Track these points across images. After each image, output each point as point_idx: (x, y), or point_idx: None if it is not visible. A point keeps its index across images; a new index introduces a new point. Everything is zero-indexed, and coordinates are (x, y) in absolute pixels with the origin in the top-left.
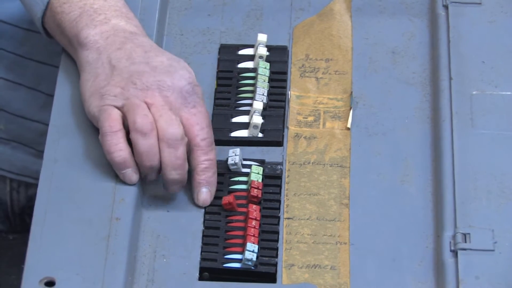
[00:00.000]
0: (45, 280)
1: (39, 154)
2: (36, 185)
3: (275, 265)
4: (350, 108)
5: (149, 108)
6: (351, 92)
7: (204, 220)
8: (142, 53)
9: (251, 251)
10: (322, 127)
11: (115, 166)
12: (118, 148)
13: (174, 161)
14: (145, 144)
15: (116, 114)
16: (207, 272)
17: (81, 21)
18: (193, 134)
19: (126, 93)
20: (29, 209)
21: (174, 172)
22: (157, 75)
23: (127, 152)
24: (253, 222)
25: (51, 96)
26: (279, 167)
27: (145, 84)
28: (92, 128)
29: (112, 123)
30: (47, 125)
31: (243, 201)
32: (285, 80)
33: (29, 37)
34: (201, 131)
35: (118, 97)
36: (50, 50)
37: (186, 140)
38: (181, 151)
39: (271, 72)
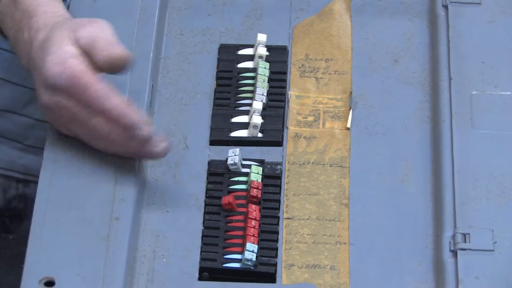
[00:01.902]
0: (45, 280)
1: (26, 148)
2: (22, 181)
3: (275, 265)
4: (350, 108)
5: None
6: (351, 92)
7: (204, 220)
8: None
9: (251, 251)
10: (321, 127)
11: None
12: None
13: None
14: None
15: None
16: (207, 272)
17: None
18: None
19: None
20: (9, 211)
21: (126, 118)
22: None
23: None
24: (253, 222)
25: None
26: (278, 167)
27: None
28: None
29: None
30: (34, 119)
31: (243, 201)
32: (284, 80)
33: None
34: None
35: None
36: None
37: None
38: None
39: (271, 72)
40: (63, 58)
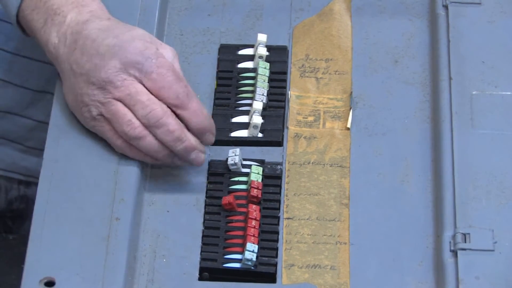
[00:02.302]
0: (45, 280)
1: (28, 150)
2: (23, 182)
3: (275, 265)
4: (350, 108)
5: (121, 101)
6: (351, 92)
7: (204, 220)
8: (91, 44)
9: (251, 251)
10: (322, 127)
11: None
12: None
13: (171, 137)
14: (145, 144)
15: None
16: (207, 272)
17: (46, 29)
18: (165, 98)
19: (94, 98)
20: (10, 212)
21: (179, 144)
22: (106, 63)
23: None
24: (253, 222)
25: (39, 92)
26: (279, 167)
27: (101, 80)
28: None
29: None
30: (36, 121)
31: (243, 201)
32: (285, 80)
33: (16, 32)
34: (170, 91)
35: (93, 105)
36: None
37: (168, 110)
38: (170, 122)
39: (271, 72)
40: (152, 48)
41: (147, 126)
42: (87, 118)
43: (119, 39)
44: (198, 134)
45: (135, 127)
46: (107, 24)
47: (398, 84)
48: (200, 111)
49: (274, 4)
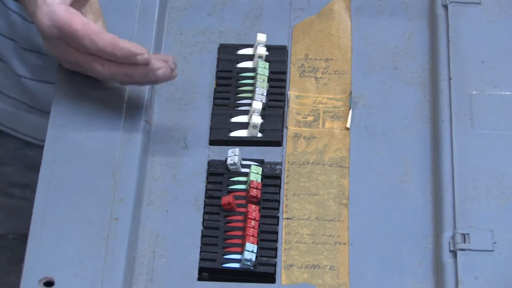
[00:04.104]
0: (44, 280)
1: None
2: None
3: (274, 265)
4: (350, 108)
5: None
6: (351, 92)
7: (203, 220)
8: None
9: (250, 251)
10: (321, 127)
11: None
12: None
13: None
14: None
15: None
16: (206, 272)
17: None
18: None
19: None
20: None
21: (127, 79)
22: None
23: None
24: (252, 222)
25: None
26: (278, 167)
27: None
28: (91, 128)
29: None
30: None
31: (242, 201)
32: (284, 80)
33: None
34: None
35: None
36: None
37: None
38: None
39: (271, 72)
40: (51, 8)
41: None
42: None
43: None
44: (126, 62)
45: None
46: None
47: (398, 84)
48: (110, 44)
49: (273, 4)
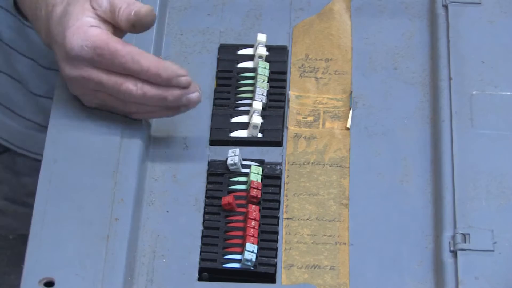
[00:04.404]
0: (45, 281)
1: None
2: None
3: (275, 265)
4: (350, 108)
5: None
6: (351, 92)
7: (204, 220)
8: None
9: (251, 251)
10: (321, 127)
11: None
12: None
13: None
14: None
15: None
16: (207, 272)
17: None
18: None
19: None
20: None
21: (162, 101)
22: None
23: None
24: (253, 223)
25: None
26: (278, 167)
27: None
28: (92, 128)
29: None
30: None
31: (243, 201)
32: (284, 80)
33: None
34: (115, 66)
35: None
36: None
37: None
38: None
39: (271, 72)
40: (84, 30)
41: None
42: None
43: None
44: (167, 83)
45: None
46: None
47: (398, 84)
48: (155, 64)
49: (273, 4)
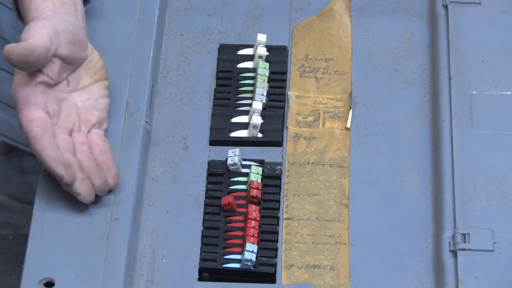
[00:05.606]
0: (45, 281)
1: None
2: None
3: (275, 265)
4: (350, 108)
5: None
6: (351, 92)
7: (204, 220)
8: None
9: (251, 251)
10: (321, 127)
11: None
12: None
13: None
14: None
15: None
16: (207, 272)
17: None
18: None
19: None
20: None
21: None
22: None
23: None
24: (253, 223)
25: None
26: (278, 167)
27: None
28: None
29: None
30: None
31: (243, 201)
32: (284, 80)
33: None
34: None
35: None
36: None
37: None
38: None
39: (271, 72)
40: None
41: None
42: None
43: None
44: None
45: None
46: None
47: (398, 84)
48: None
49: (274, 4)
